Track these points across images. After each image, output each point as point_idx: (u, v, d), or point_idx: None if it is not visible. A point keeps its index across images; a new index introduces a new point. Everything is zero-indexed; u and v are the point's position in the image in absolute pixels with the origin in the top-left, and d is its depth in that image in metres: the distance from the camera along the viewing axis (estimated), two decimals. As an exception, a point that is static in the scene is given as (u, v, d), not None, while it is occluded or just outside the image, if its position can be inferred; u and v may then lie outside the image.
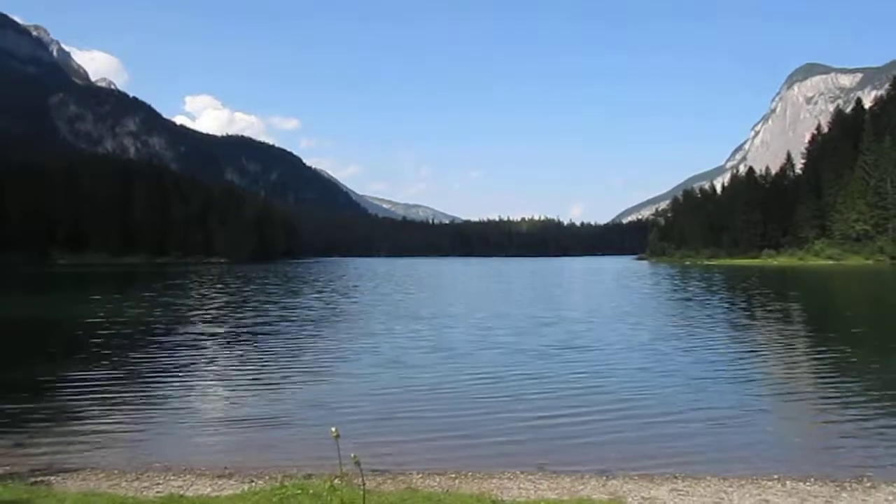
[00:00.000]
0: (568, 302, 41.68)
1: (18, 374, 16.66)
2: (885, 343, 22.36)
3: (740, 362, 18.24)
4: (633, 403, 13.14)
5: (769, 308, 34.89)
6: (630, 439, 10.78)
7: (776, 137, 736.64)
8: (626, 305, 37.19)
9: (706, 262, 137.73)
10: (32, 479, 8.69)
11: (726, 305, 36.86)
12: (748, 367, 17.59)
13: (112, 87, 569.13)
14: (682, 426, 11.57)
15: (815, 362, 18.35)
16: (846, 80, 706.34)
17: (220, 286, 57.55)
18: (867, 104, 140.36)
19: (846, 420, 11.87)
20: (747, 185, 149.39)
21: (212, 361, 18.57)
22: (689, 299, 41.22)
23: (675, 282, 65.47)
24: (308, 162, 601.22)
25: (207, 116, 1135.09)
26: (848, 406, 12.89)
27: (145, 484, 8.71)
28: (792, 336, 23.96)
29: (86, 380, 15.56)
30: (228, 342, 22.16)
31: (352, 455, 5.08)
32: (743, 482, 8.68)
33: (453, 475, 9.06)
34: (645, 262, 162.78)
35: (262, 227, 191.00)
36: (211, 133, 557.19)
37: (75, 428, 11.65)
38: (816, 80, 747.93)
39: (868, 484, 8.58)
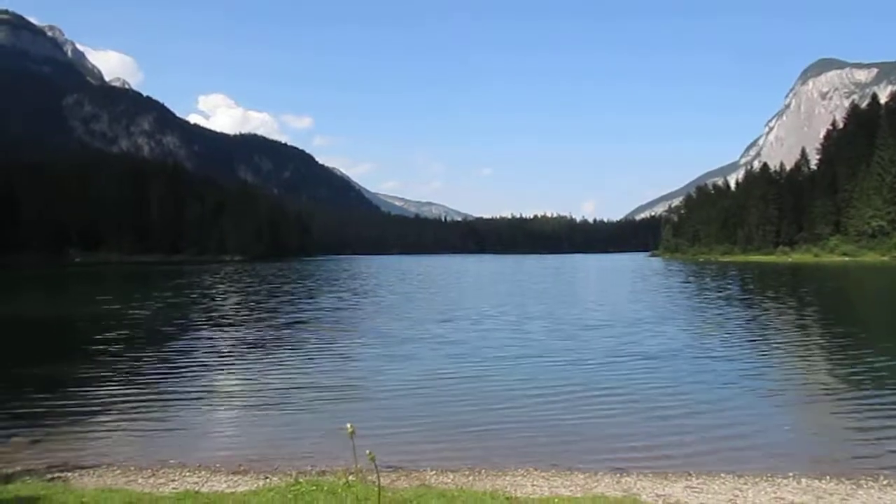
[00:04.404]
0: (590, 299, 41.55)
1: (35, 372, 16.82)
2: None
3: (755, 360, 18.14)
4: (646, 400, 13.10)
5: (787, 305, 34.64)
6: (644, 436, 10.75)
7: (791, 133, 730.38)
8: (646, 304, 37.05)
9: (720, 259, 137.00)
10: (50, 476, 8.78)
11: (745, 303, 36.63)
12: (763, 365, 17.49)
13: (126, 86, 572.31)
14: (696, 423, 11.52)
15: (831, 359, 18.22)
16: (861, 75, 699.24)
17: (235, 285, 57.85)
18: (883, 99, 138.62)
19: (862, 417, 11.79)
20: (762, 182, 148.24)
21: (227, 359, 18.65)
22: (710, 298, 41.03)
23: (700, 280, 65.17)
24: (321, 160, 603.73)
25: (221, 115, 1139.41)
26: (864, 403, 12.80)
27: (161, 480, 8.78)
28: (809, 333, 23.78)
29: (101, 377, 15.72)
30: (244, 341, 22.26)
31: (367, 451, 5.10)
32: (758, 479, 8.64)
33: (467, 472, 9.08)
34: (658, 259, 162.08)
35: (276, 225, 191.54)
36: (224, 132, 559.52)
37: (91, 425, 11.76)
38: (831, 76, 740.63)
39: (884, 482, 8.52)
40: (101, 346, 20.47)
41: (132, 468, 9.29)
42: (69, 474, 8.94)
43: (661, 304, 35.95)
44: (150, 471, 9.17)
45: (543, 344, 20.73)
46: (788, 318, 28.50)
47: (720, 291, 45.25)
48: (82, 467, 9.29)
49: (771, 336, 22.93)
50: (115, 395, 13.90)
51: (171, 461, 9.64)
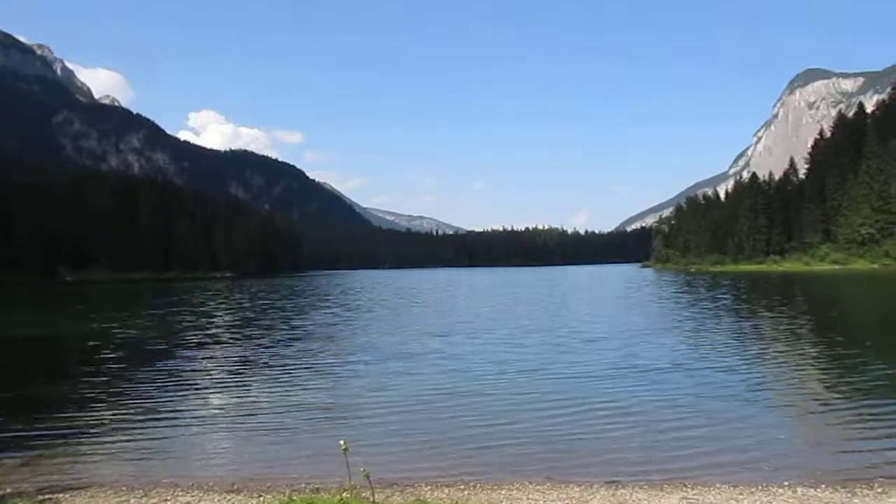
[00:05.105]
0: (585, 311, 41.55)
1: (25, 391, 16.68)
2: (892, 345, 22.28)
3: (750, 369, 18.17)
4: (641, 412, 13.09)
5: (780, 314, 34.74)
6: (639, 448, 10.73)
7: (779, 143, 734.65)
8: (641, 315, 37.12)
9: (711, 269, 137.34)
10: (41, 497, 8.69)
11: (738, 313, 36.76)
12: (758, 374, 17.53)
13: (116, 103, 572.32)
14: (691, 435, 11.51)
15: (825, 369, 18.29)
16: (848, 85, 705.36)
17: (226, 301, 57.60)
18: (869, 108, 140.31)
19: (857, 426, 11.82)
20: (751, 191, 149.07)
21: (219, 378, 18.54)
22: (704, 309, 41.13)
23: (693, 291, 65.32)
24: (312, 175, 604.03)
25: (212, 131, 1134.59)
26: (859, 412, 12.83)
27: (153, 500, 8.70)
28: (802, 343, 23.83)
29: (92, 397, 15.58)
30: (236, 359, 22.14)
31: (361, 469, 5.07)
32: (753, 489, 8.64)
33: (462, 487, 9.04)
34: (650, 270, 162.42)
35: (267, 241, 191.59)
36: (215, 148, 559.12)
37: (83, 445, 11.65)
38: (818, 85, 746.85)
39: (879, 489, 8.53)
40: (91, 366, 20.33)
41: (124, 489, 9.20)
42: (60, 496, 8.85)
43: (656, 315, 36.00)
44: (141, 491, 9.08)
45: (539, 357, 20.68)
46: (781, 327, 28.55)
47: (714, 302, 45.34)
48: (73, 488, 9.19)
49: (764, 346, 22.99)
50: (106, 416, 13.79)
51: (164, 481, 9.55)
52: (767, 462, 9.86)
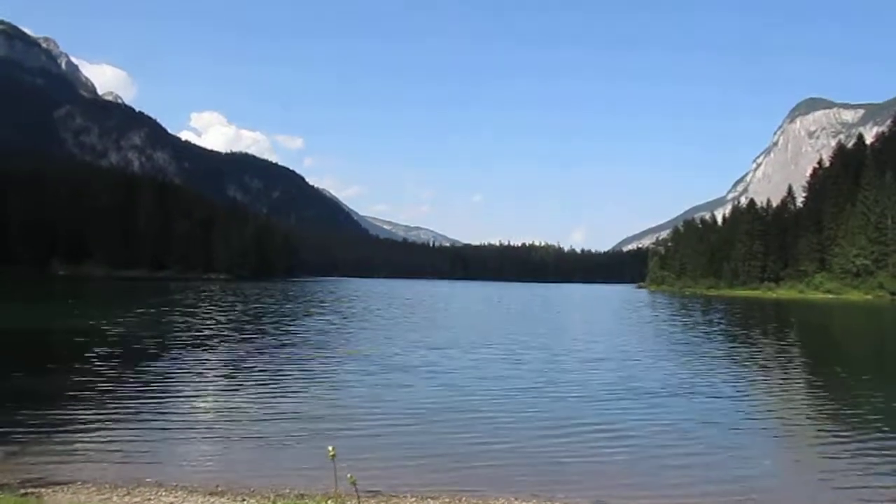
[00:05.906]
0: (582, 331, 41.57)
1: (11, 385, 16.58)
2: (885, 377, 22.31)
3: (742, 396, 18.21)
4: (631, 435, 13.07)
5: (773, 341, 34.78)
6: (625, 469, 10.72)
7: (778, 170, 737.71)
8: (638, 337, 37.12)
9: (706, 293, 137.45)
10: (23, 491, 8.63)
11: (732, 337, 36.80)
12: (749, 402, 17.56)
13: (119, 100, 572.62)
14: (679, 459, 11.49)
15: (817, 398, 18.32)
16: (848, 116, 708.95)
17: (220, 304, 57.44)
18: (869, 140, 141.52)
19: (845, 458, 11.79)
20: (748, 217, 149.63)
21: (208, 380, 18.48)
22: (700, 333, 41.18)
23: (689, 314, 65.41)
24: (311, 181, 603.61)
25: (214, 133, 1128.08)
26: (848, 444, 12.80)
27: (136, 499, 8.65)
28: (794, 370, 23.87)
29: (79, 393, 15.48)
30: (226, 362, 22.07)
31: (348, 476, 5.04)
32: (739, 515, 8.62)
33: (447, 499, 9.01)
34: (645, 291, 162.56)
35: (263, 244, 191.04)
36: (215, 150, 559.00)
37: (67, 441, 11.59)
38: (819, 115, 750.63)
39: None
40: (80, 363, 20.20)
41: (107, 486, 9.15)
42: (43, 490, 8.79)
43: (651, 337, 36.00)
44: (125, 489, 9.03)
45: (533, 375, 20.65)
46: (773, 354, 28.58)
47: (711, 326, 45.40)
48: (57, 483, 9.14)
49: (757, 374, 22.99)
50: (92, 413, 13.71)
51: (148, 480, 9.50)
52: (753, 488, 9.84)
